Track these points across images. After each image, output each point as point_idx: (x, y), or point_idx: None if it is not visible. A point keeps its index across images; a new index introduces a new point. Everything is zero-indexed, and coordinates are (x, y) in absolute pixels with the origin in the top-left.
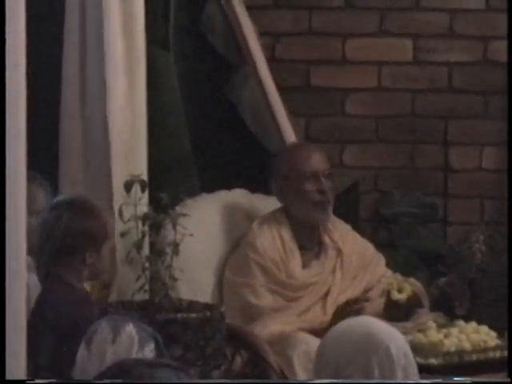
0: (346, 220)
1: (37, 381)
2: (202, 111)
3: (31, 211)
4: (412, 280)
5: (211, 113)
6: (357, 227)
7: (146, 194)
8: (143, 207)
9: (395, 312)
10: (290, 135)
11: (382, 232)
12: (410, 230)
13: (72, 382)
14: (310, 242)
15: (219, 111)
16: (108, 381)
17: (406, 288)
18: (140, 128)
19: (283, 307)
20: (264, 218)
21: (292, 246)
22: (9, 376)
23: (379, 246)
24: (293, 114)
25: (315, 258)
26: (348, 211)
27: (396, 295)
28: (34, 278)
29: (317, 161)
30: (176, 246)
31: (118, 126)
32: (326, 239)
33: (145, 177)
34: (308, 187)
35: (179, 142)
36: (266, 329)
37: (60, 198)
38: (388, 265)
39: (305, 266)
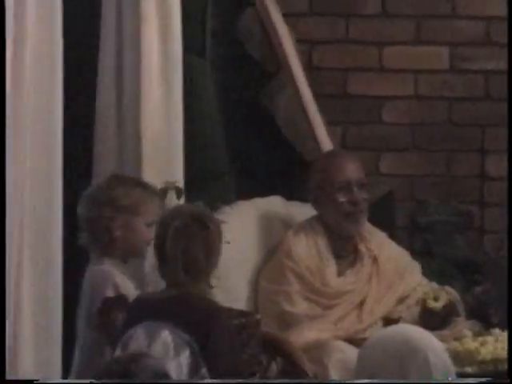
0: (382, 228)
1: (39, 381)
2: (238, 119)
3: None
4: (448, 288)
5: (247, 121)
6: (393, 235)
7: (182, 201)
8: None
9: (431, 320)
10: (327, 143)
11: (418, 240)
12: (446, 238)
13: (72, 382)
14: (346, 251)
15: (255, 119)
16: (108, 381)
17: (441, 296)
18: (176, 135)
19: (319, 315)
20: (300, 226)
21: (327, 254)
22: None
23: (415, 254)
24: (329, 122)
25: (350, 266)
26: (384, 219)
27: (432, 303)
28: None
29: (350, 170)
30: None
31: (153, 132)
32: (362, 247)
33: (181, 184)
34: (340, 197)
35: (216, 149)
36: (302, 336)
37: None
38: (424, 273)
39: (340, 274)
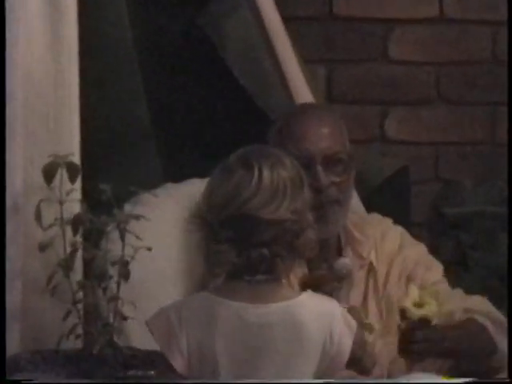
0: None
1: (38, 380)
2: (165, 58)
3: None
4: (477, 300)
5: (179, 60)
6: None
7: (78, 184)
8: (74, 205)
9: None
10: (303, 93)
11: (446, 241)
12: (488, 237)
13: (72, 382)
14: (322, 262)
15: (192, 57)
16: (107, 381)
17: (429, 304)
18: (69, 84)
19: None
20: None
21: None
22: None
23: (441, 260)
24: (307, 59)
25: (332, 287)
26: (393, 210)
27: (410, 308)
28: None
29: (311, 137)
30: (125, 266)
31: (30, 80)
32: (349, 254)
33: (76, 159)
34: None
35: (129, 106)
36: None
37: None
38: (455, 285)
39: None
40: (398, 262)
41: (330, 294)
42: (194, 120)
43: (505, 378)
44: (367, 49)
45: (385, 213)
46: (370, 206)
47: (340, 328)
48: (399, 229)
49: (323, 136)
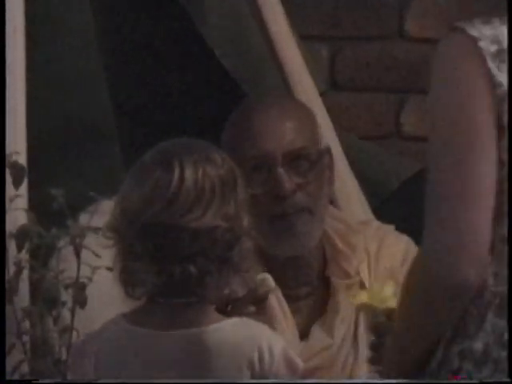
0: (409, 236)
1: (39, 381)
2: (131, 36)
3: None
4: None
5: (151, 39)
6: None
7: (24, 189)
8: (18, 215)
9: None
10: (301, 77)
11: None
12: None
13: (73, 382)
14: (300, 286)
15: (162, 36)
16: (107, 381)
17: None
18: (12, 69)
19: None
20: None
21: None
22: None
23: None
24: (305, 35)
25: (317, 313)
26: (411, 219)
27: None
28: None
29: (272, 133)
30: (81, 290)
31: None
32: (333, 272)
33: (22, 159)
34: (253, 186)
35: (87, 98)
36: None
37: None
38: None
39: (302, 332)
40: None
41: (308, 322)
42: (164, 114)
43: (505, 378)
44: (379, 24)
45: (400, 223)
46: (382, 215)
47: (268, 361)
48: (404, 238)
49: (283, 130)
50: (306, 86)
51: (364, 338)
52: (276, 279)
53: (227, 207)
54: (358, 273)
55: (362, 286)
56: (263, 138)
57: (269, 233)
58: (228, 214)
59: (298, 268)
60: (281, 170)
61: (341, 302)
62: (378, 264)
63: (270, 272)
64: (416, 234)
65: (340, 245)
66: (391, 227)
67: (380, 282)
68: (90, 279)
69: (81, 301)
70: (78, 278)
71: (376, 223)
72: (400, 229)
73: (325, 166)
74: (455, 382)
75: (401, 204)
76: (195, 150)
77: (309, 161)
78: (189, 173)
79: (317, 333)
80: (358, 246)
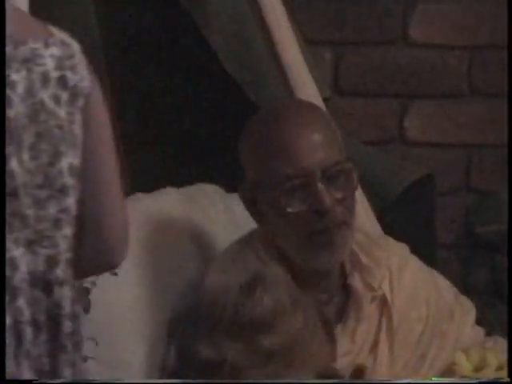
0: (412, 246)
1: (38, 381)
2: (133, 40)
3: None
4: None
5: (153, 42)
6: (431, 259)
7: None
8: None
9: None
10: (304, 82)
11: (479, 265)
12: None
13: (73, 382)
14: (320, 291)
15: (165, 39)
16: (107, 381)
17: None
18: None
19: None
20: (236, 246)
21: (287, 303)
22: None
23: (474, 290)
24: (310, 39)
25: (336, 322)
26: (415, 227)
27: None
28: None
29: (308, 148)
30: (85, 295)
31: None
32: (356, 283)
33: None
34: (292, 205)
35: None
36: None
37: None
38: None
39: None
40: (419, 301)
41: (329, 324)
42: (166, 116)
43: (505, 378)
44: (383, 29)
45: (404, 231)
46: (385, 223)
47: None
48: (417, 261)
49: (317, 144)
50: (309, 91)
51: (386, 346)
52: (300, 287)
53: None
54: (379, 287)
55: (383, 299)
56: (299, 155)
57: (308, 248)
58: None
59: (320, 277)
60: (321, 187)
61: (364, 312)
62: (402, 281)
63: (298, 281)
64: (418, 239)
65: (363, 257)
66: (405, 246)
67: (402, 299)
68: (94, 283)
69: (84, 306)
70: (81, 282)
71: (391, 240)
72: (402, 234)
73: (355, 176)
74: (455, 381)
75: (404, 209)
76: None
77: (344, 175)
78: None
79: (338, 338)
80: (381, 260)
